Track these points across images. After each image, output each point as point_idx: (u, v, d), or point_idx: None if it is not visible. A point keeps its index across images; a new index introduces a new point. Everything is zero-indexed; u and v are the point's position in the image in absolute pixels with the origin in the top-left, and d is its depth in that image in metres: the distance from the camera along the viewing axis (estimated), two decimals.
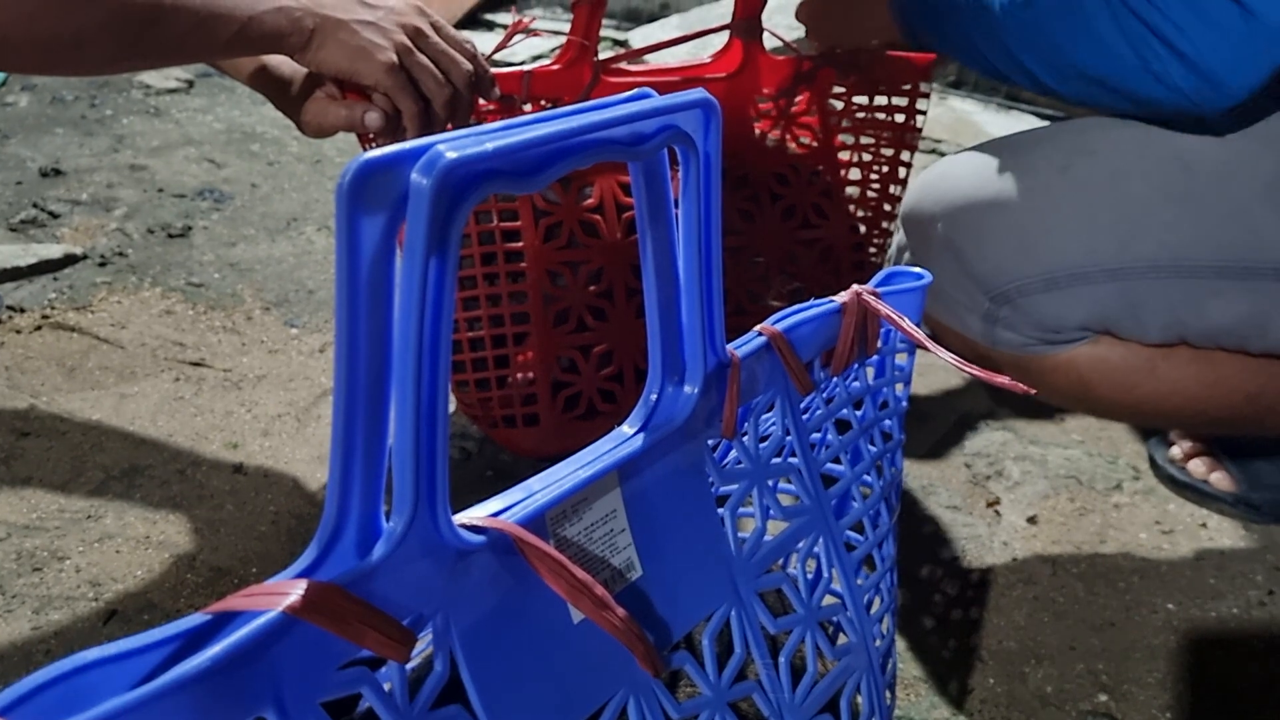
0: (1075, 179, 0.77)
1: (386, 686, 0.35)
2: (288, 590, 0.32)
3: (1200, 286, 0.75)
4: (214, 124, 1.76)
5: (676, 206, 0.44)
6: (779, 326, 0.52)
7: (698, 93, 0.41)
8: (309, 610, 0.32)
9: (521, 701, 0.39)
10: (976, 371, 0.50)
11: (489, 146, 0.33)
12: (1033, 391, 0.49)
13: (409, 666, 0.36)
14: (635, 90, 0.41)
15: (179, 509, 0.89)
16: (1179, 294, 0.76)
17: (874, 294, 0.56)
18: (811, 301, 0.55)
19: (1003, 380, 0.49)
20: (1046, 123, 0.83)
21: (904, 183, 1.10)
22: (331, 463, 0.34)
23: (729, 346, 0.49)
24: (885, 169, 1.10)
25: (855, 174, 1.10)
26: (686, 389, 0.46)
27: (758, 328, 0.52)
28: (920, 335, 0.54)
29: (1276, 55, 0.67)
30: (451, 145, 0.32)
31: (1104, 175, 0.77)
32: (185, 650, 0.32)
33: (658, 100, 0.40)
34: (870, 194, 1.10)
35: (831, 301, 0.55)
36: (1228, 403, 0.81)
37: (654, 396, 0.46)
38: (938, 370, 1.19)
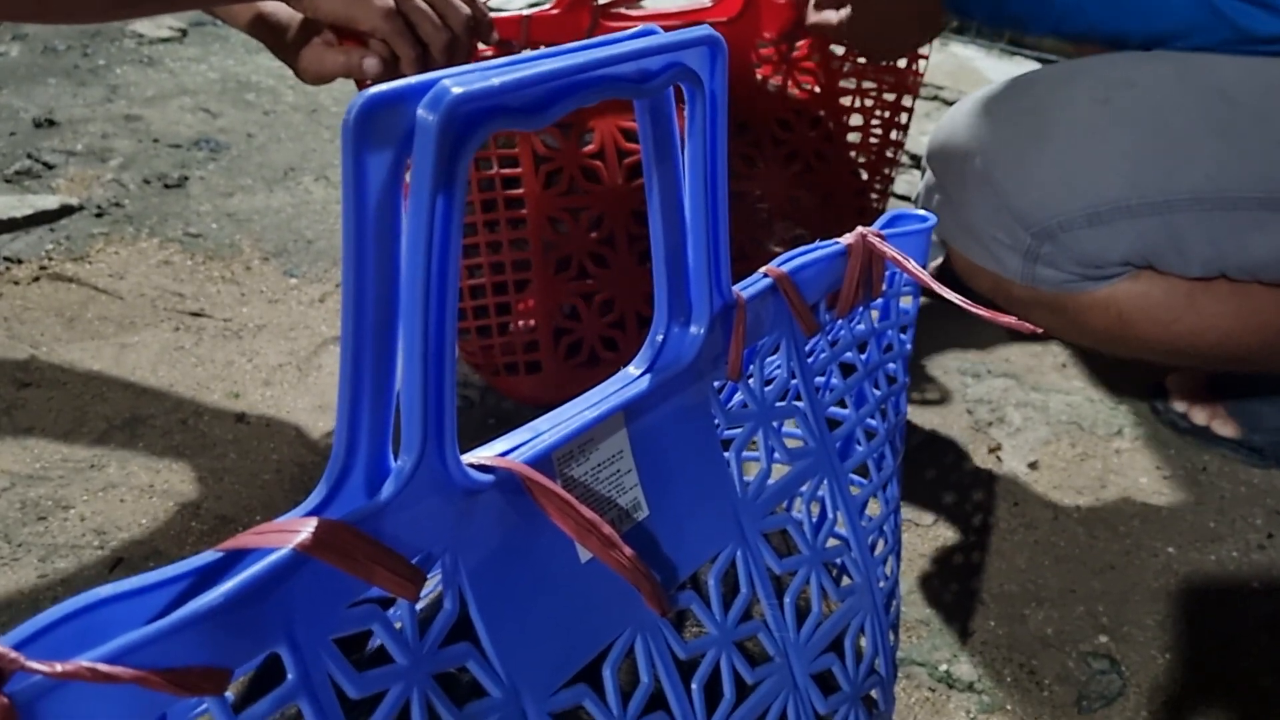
0: (1117, 111, 0.76)
1: (397, 624, 0.35)
2: (298, 528, 0.32)
3: (1244, 218, 0.74)
4: (208, 73, 1.74)
5: (682, 146, 0.44)
6: (785, 268, 0.52)
7: (704, 29, 0.41)
8: (319, 547, 0.32)
9: (529, 639, 0.39)
10: (982, 312, 0.49)
11: (495, 82, 0.32)
12: (1039, 330, 0.48)
13: (418, 605, 0.36)
14: (641, 27, 0.40)
15: (182, 458, 0.89)
16: (1222, 226, 0.75)
17: (879, 236, 0.56)
18: (817, 243, 0.54)
19: (1009, 320, 0.49)
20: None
21: (905, 128, 1.10)
22: (339, 401, 0.34)
23: (734, 288, 0.48)
24: (886, 114, 1.09)
25: (857, 119, 1.09)
26: (693, 330, 0.46)
27: (763, 269, 0.51)
28: (925, 276, 0.53)
29: None
30: (457, 80, 0.32)
31: (1146, 107, 0.76)
32: (197, 587, 0.32)
33: (664, 37, 0.39)
34: (872, 139, 1.10)
35: (837, 243, 0.55)
36: (1261, 337, 0.81)
37: (660, 337, 0.46)
38: (939, 317, 1.18)
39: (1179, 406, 1.02)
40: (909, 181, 1.49)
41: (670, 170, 0.43)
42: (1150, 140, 0.75)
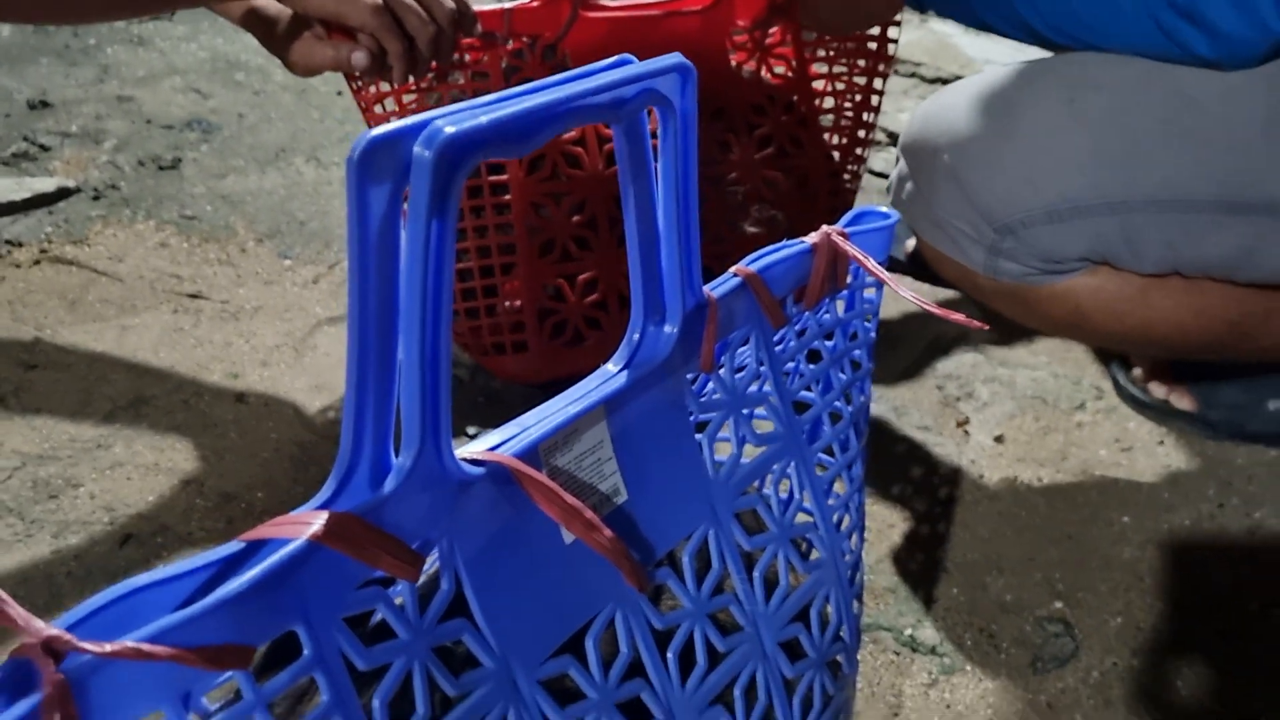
0: (1080, 112, 0.79)
1: (399, 602, 0.39)
2: (310, 520, 0.36)
3: (1198, 220, 0.78)
4: (199, 52, 1.77)
5: (656, 160, 0.47)
6: (754, 267, 0.56)
7: (674, 57, 0.44)
8: (330, 537, 0.36)
9: (519, 615, 0.43)
10: (933, 309, 0.53)
11: (483, 120, 0.36)
12: (985, 327, 0.53)
13: (418, 585, 0.40)
14: (617, 57, 0.44)
15: (185, 437, 0.93)
16: (1177, 227, 0.79)
17: (843, 234, 0.60)
18: (784, 243, 0.58)
19: (958, 317, 0.53)
20: (1030, 48, 0.85)
21: (877, 110, 1.13)
22: (345, 406, 0.38)
23: (706, 288, 0.52)
24: (859, 97, 1.12)
25: (830, 103, 1.13)
26: (667, 329, 0.50)
27: (733, 269, 0.55)
28: (884, 274, 0.57)
29: None
30: (449, 120, 0.36)
31: (1109, 110, 0.79)
32: (222, 574, 0.36)
33: (637, 66, 0.43)
34: (844, 122, 1.13)
35: (803, 242, 0.59)
36: (1211, 330, 0.85)
37: (636, 336, 0.50)
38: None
39: (1138, 374, 1.06)
40: (885, 159, 1.53)
41: (645, 184, 0.47)
42: (1111, 143, 0.78)
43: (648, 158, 0.46)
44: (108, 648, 0.31)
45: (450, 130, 0.35)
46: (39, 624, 0.30)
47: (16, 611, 0.30)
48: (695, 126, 0.47)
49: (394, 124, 0.35)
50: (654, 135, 0.46)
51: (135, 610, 0.35)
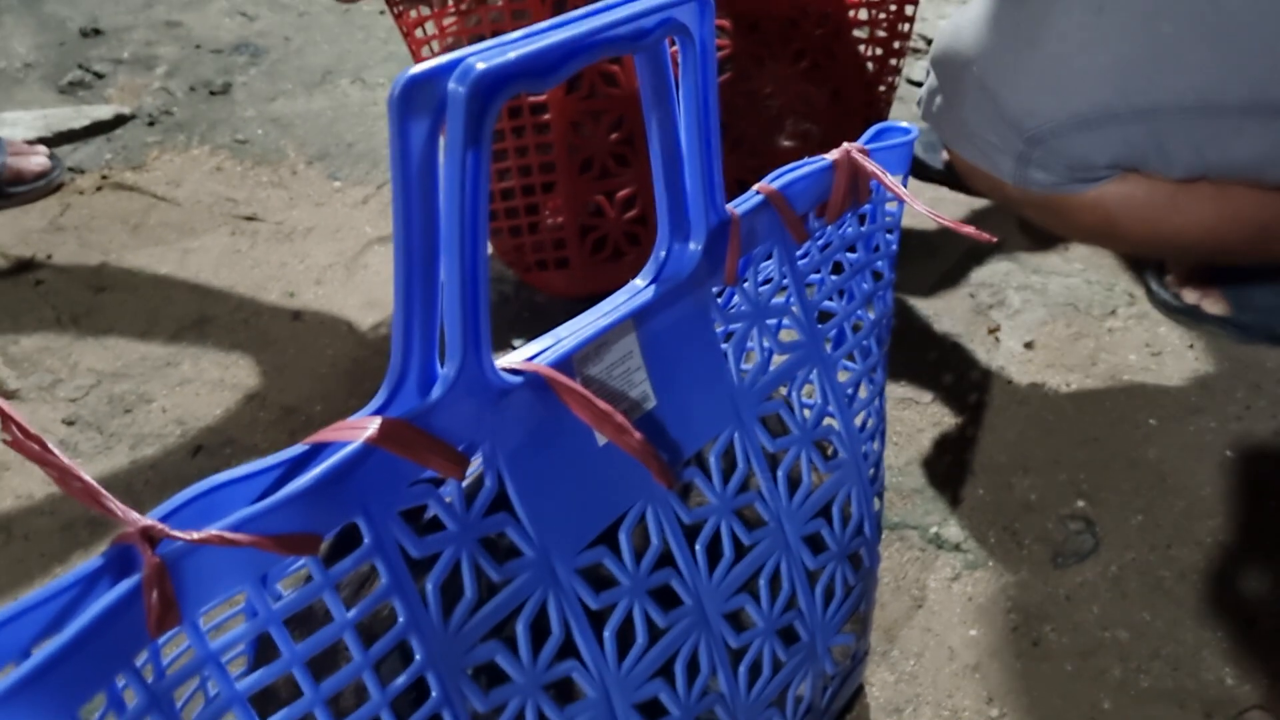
0: (1108, 20, 0.80)
1: (447, 499, 0.44)
2: (366, 425, 0.41)
3: (1225, 125, 0.79)
4: None
5: (678, 87, 0.50)
6: (775, 185, 0.58)
7: None
8: (384, 440, 0.40)
9: (556, 510, 0.48)
10: (947, 222, 0.56)
11: (512, 56, 0.39)
12: (992, 239, 0.55)
13: (464, 484, 0.44)
14: None
15: (247, 354, 0.99)
16: (1205, 132, 0.80)
17: (863, 151, 0.62)
18: (805, 160, 0.61)
19: (969, 230, 0.56)
20: None
21: (911, 20, 1.14)
22: (394, 323, 0.42)
23: (730, 205, 0.55)
24: (894, 8, 1.13)
25: (865, 14, 1.13)
26: (691, 246, 0.53)
27: (756, 186, 0.58)
28: (902, 190, 0.60)
29: None
30: (480, 57, 0.39)
31: (1136, 15, 0.80)
32: (291, 473, 0.41)
33: None
34: (879, 33, 1.14)
35: (824, 159, 0.61)
36: (1242, 233, 0.86)
37: (663, 253, 0.53)
38: (948, 204, 1.24)
39: (1171, 279, 1.08)
40: (924, 67, 1.52)
41: (667, 111, 0.50)
42: (1138, 49, 0.79)
43: (669, 85, 0.49)
44: (195, 535, 0.35)
45: (482, 67, 0.38)
46: (136, 515, 0.34)
47: (115, 505, 0.34)
48: (714, 54, 0.49)
49: (430, 62, 0.38)
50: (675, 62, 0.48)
51: (216, 504, 0.40)
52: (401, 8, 0.95)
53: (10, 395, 0.93)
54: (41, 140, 1.28)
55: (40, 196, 1.19)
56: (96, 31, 1.57)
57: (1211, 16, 0.78)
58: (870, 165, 0.61)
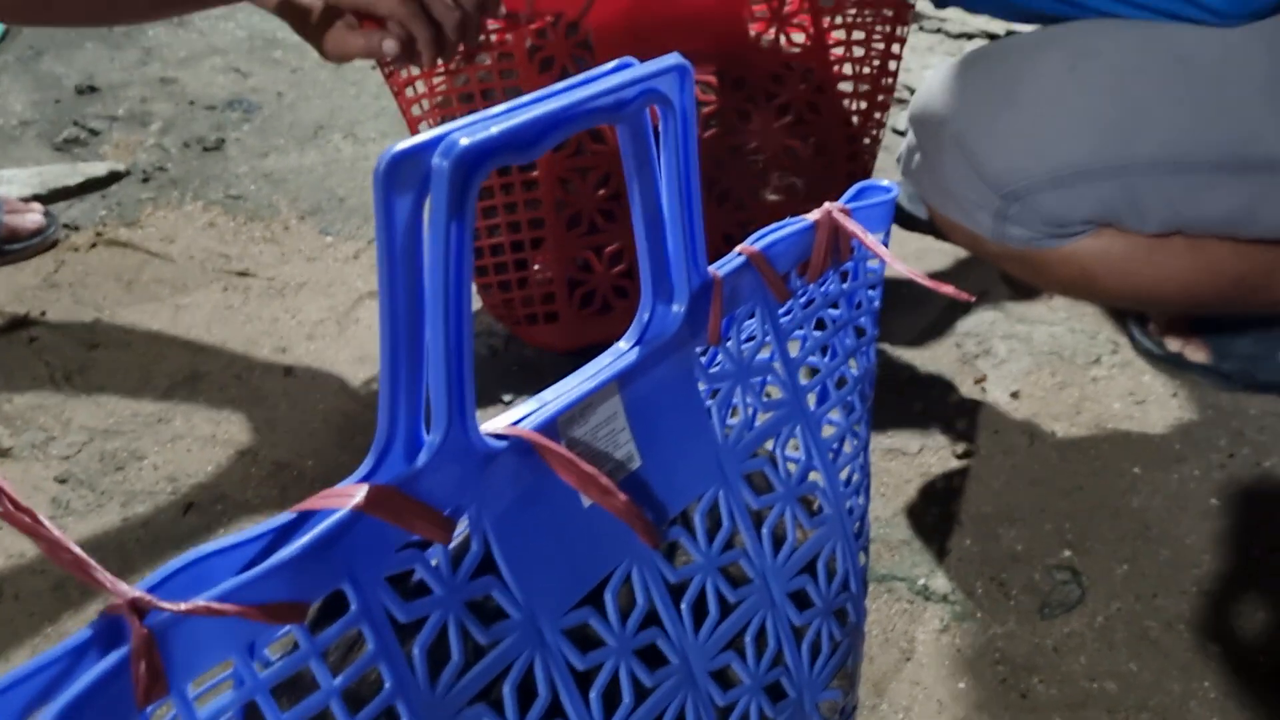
0: (1081, 80, 0.82)
1: (434, 563, 0.44)
2: (353, 492, 0.41)
3: (1197, 181, 0.81)
4: (236, 31, 1.82)
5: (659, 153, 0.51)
6: (757, 246, 0.59)
7: (673, 58, 0.48)
8: (371, 507, 0.41)
9: (543, 571, 0.48)
10: (924, 281, 0.57)
11: (494, 131, 0.40)
12: (971, 298, 0.56)
13: (450, 547, 0.45)
14: (618, 61, 0.48)
15: (239, 410, 0.99)
16: (1177, 189, 0.81)
17: (844, 211, 0.63)
18: (787, 220, 0.62)
19: (948, 289, 0.57)
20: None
21: (895, 74, 1.15)
22: (380, 389, 0.42)
23: (712, 267, 0.56)
24: (877, 63, 1.15)
25: (849, 69, 1.15)
26: (675, 308, 0.54)
27: (738, 248, 0.59)
28: (882, 249, 0.61)
29: None
30: (464, 132, 0.40)
31: (1108, 76, 0.82)
32: (278, 541, 0.41)
33: (638, 69, 0.47)
34: (863, 87, 1.15)
35: (805, 220, 0.62)
36: (1217, 286, 0.88)
37: (646, 315, 0.54)
38: (934, 254, 1.25)
39: (1154, 328, 1.09)
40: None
41: (649, 177, 0.51)
42: (1111, 108, 0.81)
43: (651, 153, 0.50)
44: (184, 606, 0.36)
45: (465, 142, 0.39)
46: (124, 587, 0.35)
47: (105, 576, 0.35)
48: (695, 122, 0.50)
49: (414, 139, 0.40)
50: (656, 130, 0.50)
51: (204, 573, 0.40)
52: (391, 67, 0.97)
53: (3, 453, 0.93)
54: (37, 197, 1.29)
55: (35, 254, 1.20)
56: (92, 89, 1.59)
57: (1182, 75, 0.79)
58: (851, 225, 0.63)
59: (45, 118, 1.51)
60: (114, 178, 1.35)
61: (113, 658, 0.34)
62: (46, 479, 0.91)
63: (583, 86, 0.45)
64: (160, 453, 0.93)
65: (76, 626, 0.78)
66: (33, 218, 1.21)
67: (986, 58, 0.87)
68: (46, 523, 0.34)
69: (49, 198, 1.30)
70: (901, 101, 1.60)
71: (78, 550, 0.35)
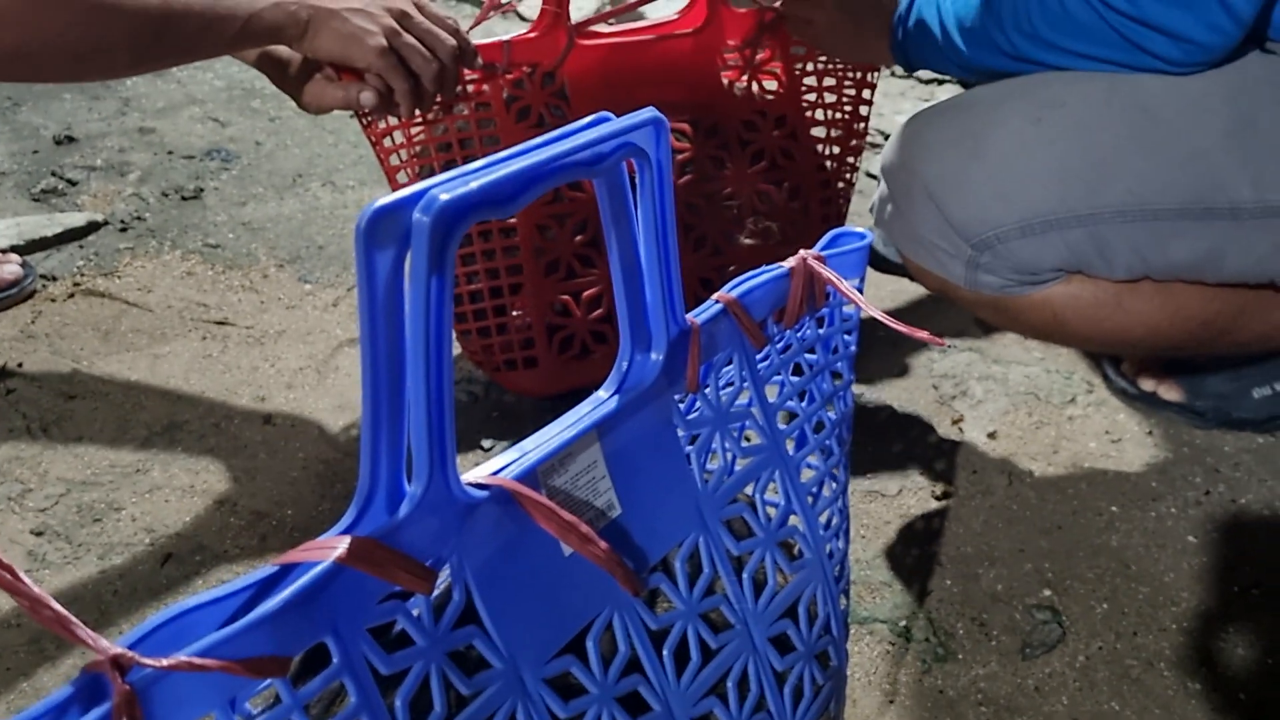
0: (1047, 130, 0.84)
1: (416, 613, 0.44)
2: (335, 544, 0.41)
3: (1163, 228, 0.83)
4: (214, 81, 1.83)
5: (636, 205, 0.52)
6: (733, 294, 0.60)
7: (648, 112, 0.49)
8: (353, 559, 0.41)
9: (524, 620, 0.48)
10: (899, 327, 0.58)
11: (474, 186, 0.41)
12: (944, 344, 0.57)
13: (432, 597, 0.45)
14: (595, 116, 0.49)
15: (217, 459, 0.99)
16: (1144, 236, 0.83)
17: (819, 259, 0.64)
18: (763, 268, 0.63)
19: (923, 334, 0.58)
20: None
21: (866, 119, 1.17)
22: (362, 441, 0.43)
23: (689, 315, 0.57)
24: (849, 109, 1.17)
25: (821, 115, 1.17)
26: (653, 356, 0.55)
27: (715, 296, 0.60)
28: (857, 296, 0.62)
29: (1251, 13, 0.74)
30: (444, 188, 0.40)
31: (1074, 126, 0.83)
32: (260, 595, 0.41)
33: (614, 123, 0.48)
34: (835, 133, 1.17)
35: (780, 267, 0.63)
36: (1186, 328, 0.89)
37: (625, 364, 0.55)
38: (909, 295, 1.27)
39: (1128, 369, 1.10)
40: None
41: (626, 228, 0.52)
42: (1077, 158, 0.83)
43: (628, 205, 0.51)
44: (165, 662, 0.36)
45: (445, 198, 0.40)
46: (105, 643, 0.35)
47: (86, 634, 0.35)
48: (670, 174, 0.51)
49: (395, 194, 0.40)
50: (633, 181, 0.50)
51: (186, 628, 0.40)
52: (370, 118, 0.98)
53: None
54: (14, 248, 1.29)
55: (12, 305, 1.20)
56: (70, 139, 1.59)
57: (1145, 125, 0.81)
58: (826, 272, 0.63)
59: (23, 168, 1.51)
60: (92, 228, 1.35)
61: (95, 715, 0.34)
62: (23, 531, 0.90)
63: (560, 141, 0.46)
64: (138, 504, 0.93)
65: (53, 681, 0.77)
66: (10, 269, 1.21)
67: (955, 108, 0.89)
68: (26, 580, 0.34)
69: (26, 248, 1.30)
70: (874, 146, 1.62)
71: (58, 607, 0.35)
